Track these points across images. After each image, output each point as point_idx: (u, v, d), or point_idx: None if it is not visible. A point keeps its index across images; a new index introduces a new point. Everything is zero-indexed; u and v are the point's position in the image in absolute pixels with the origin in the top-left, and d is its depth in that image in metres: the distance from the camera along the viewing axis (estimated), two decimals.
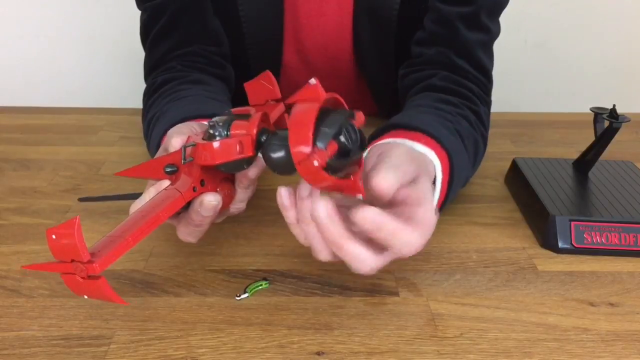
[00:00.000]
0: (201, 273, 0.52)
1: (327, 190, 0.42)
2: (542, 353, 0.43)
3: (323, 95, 0.41)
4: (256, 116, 0.44)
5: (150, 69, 0.74)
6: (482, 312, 0.47)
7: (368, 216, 0.40)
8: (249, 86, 0.50)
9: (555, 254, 0.55)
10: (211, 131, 0.44)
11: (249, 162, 0.45)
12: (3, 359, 0.42)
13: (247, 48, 0.79)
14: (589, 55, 1.46)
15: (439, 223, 0.60)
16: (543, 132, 0.88)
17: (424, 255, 0.55)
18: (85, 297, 0.40)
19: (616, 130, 0.60)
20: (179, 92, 0.65)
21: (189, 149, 0.45)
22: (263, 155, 0.43)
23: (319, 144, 0.39)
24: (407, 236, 0.41)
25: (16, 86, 1.41)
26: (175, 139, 0.48)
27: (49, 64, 1.42)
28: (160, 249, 0.55)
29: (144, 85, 0.73)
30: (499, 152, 0.79)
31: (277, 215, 0.62)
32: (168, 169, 0.46)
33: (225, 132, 0.44)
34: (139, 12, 0.76)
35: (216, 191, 0.47)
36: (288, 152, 0.39)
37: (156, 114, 0.63)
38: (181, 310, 0.47)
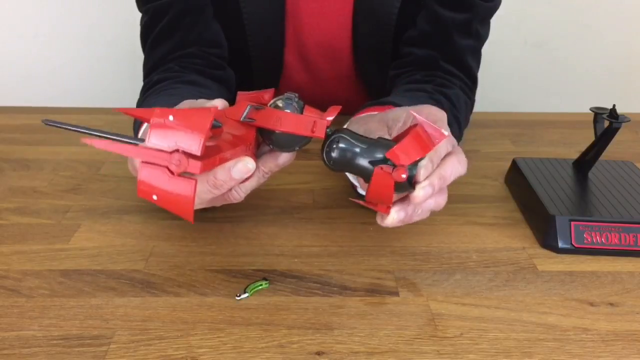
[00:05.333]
0: (201, 273, 0.52)
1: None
2: (542, 353, 0.43)
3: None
4: (335, 109, 0.47)
5: (149, 70, 0.74)
6: (482, 312, 0.47)
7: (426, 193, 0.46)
8: (242, 97, 0.50)
9: (555, 254, 0.55)
10: (281, 103, 0.46)
11: (303, 144, 0.47)
12: (3, 359, 0.42)
13: (249, 49, 0.79)
14: (589, 55, 1.46)
15: (439, 223, 0.61)
16: (543, 132, 0.88)
17: (424, 255, 0.55)
18: (155, 197, 0.38)
19: (616, 130, 0.60)
20: (170, 90, 0.65)
21: (252, 110, 0.46)
22: (332, 145, 0.47)
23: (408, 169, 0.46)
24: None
25: (16, 86, 1.41)
26: (217, 100, 0.47)
27: (49, 64, 1.43)
28: (160, 249, 0.55)
29: None
30: (499, 152, 0.79)
31: (277, 215, 0.62)
32: (214, 125, 0.44)
33: (299, 110, 0.46)
34: (139, 12, 0.76)
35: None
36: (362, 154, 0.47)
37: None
38: (181, 310, 0.47)
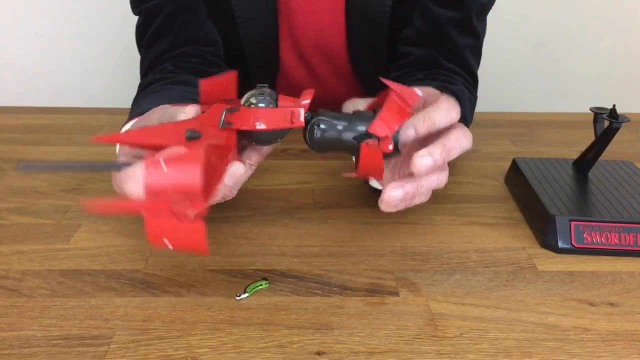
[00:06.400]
0: (201, 273, 0.52)
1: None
2: (542, 353, 0.43)
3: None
4: (309, 92, 0.47)
5: (145, 70, 0.74)
6: (482, 312, 0.47)
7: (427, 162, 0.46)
8: (205, 83, 0.50)
9: (555, 254, 0.55)
10: (254, 100, 0.45)
11: (282, 135, 0.47)
12: (3, 359, 0.42)
13: (244, 48, 0.79)
14: (589, 55, 1.46)
15: (439, 223, 0.61)
16: (543, 132, 0.88)
17: (424, 255, 0.55)
18: (166, 241, 0.38)
19: (616, 130, 0.60)
20: (160, 92, 0.65)
21: (228, 114, 0.45)
22: (314, 129, 0.47)
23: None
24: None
25: (16, 86, 1.41)
26: (189, 107, 0.46)
27: (49, 64, 1.43)
28: (160, 249, 0.55)
29: None
30: (499, 152, 0.79)
31: (277, 215, 0.62)
32: (190, 134, 0.43)
33: (273, 103, 0.46)
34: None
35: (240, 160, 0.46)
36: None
37: (134, 110, 0.63)
38: (181, 310, 0.47)
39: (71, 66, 1.43)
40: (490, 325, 0.46)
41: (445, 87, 0.67)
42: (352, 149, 0.48)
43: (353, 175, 0.50)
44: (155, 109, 0.53)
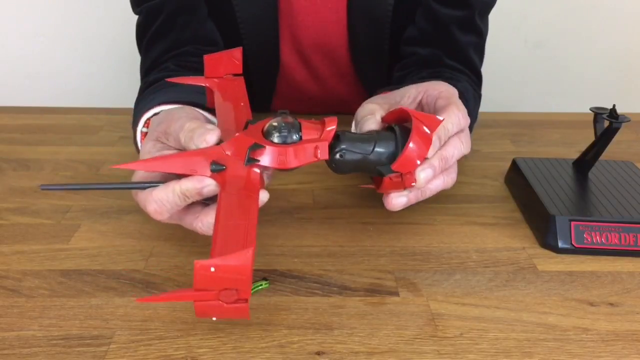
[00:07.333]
0: None
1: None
2: (542, 353, 0.43)
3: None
4: (332, 120, 0.47)
5: (146, 70, 0.74)
6: (482, 312, 0.47)
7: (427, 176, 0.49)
8: (209, 58, 0.51)
9: (555, 254, 0.55)
10: (277, 135, 0.46)
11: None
12: (3, 359, 0.42)
13: (244, 48, 0.79)
14: (589, 55, 1.46)
15: (439, 223, 0.61)
16: (543, 132, 0.88)
17: (424, 255, 0.55)
18: (214, 319, 0.41)
19: (616, 130, 0.60)
20: (166, 89, 0.65)
21: (253, 151, 0.46)
22: (337, 158, 0.47)
23: None
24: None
25: (16, 86, 1.41)
26: (211, 135, 0.46)
27: (49, 64, 1.43)
28: (160, 249, 0.55)
29: None
30: (499, 152, 0.79)
31: (277, 215, 0.62)
32: (215, 167, 0.45)
33: (297, 135, 0.46)
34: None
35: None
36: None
37: (142, 105, 0.63)
38: (181, 310, 0.47)
39: (71, 66, 1.43)
40: (490, 325, 0.46)
41: (451, 84, 0.67)
42: (377, 172, 0.49)
43: (370, 186, 0.52)
44: (174, 112, 0.53)
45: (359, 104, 0.63)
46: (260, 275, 0.51)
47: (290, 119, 0.47)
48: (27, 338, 0.43)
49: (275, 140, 0.46)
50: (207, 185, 0.45)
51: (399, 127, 0.49)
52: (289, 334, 0.44)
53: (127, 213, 0.61)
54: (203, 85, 0.55)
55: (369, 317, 0.46)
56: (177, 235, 0.57)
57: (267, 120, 0.48)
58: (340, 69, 0.85)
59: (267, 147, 0.46)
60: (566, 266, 0.54)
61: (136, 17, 0.77)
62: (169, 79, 0.57)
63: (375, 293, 0.49)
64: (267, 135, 0.47)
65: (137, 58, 0.79)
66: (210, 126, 0.47)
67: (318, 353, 0.42)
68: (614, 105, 0.61)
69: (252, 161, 0.46)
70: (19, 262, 0.53)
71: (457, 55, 0.72)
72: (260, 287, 0.49)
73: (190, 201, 0.47)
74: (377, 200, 0.64)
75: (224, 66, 0.53)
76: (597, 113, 0.63)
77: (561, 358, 0.42)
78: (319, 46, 0.82)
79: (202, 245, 0.56)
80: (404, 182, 0.48)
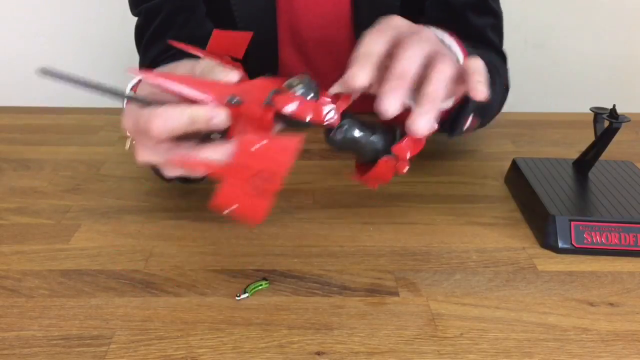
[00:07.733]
0: (201, 273, 0.52)
1: None
2: (542, 353, 0.43)
3: None
4: (348, 97, 0.49)
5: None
6: (482, 312, 0.47)
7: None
8: (218, 34, 0.51)
9: (555, 254, 0.55)
10: (301, 85, 0.47)
11: (308, 128, 0.47)
12: (3, 359, 0.42)
13: None
14: (589, 55, 1.46)
15: (439, 223, 0.61)
16: (543, 132, 0.88)
17: (424, 255, 0.55)
18: (235, 206, 0.40)
19: (616, 130, 0.60)
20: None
21: (274, 95, 0.46)
22: (339, 130, 0.48)
23: None
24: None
25: (16, 86, 1.41)
26: (233, 73, 0.45)
27: (49, 64, 1.42)
28: (160, 249, 0.55)
29: None
30: (499, 152, 0.79)
31: (277, 215, 0.62)
32: (234, 100, 0.44)
33: (315, 95, 0.47)
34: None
35: None
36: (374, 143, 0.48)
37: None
38: (181, 310, 0.47)
39: (71, 66, 1.42)
40: (490, 326, 0.46)
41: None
42: (367, 157, 0.49)
43: (355, 178, 0.50)
44: (180, 62, 0.51)
45: (360, 101, 0.63)
46: (260, 275, 0.51)
47: (311, 81, 0.48)
48: (27, 338, 0.43)
49: (298, 92, 0.47)
50: (219, 115, 0.43)
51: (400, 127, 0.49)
52: (289, 334, 0.44)
53: (127, 213, 0.61)
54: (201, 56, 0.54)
55: (369, 317, 0.46)
56: (177, 235, 0.57)
57: (285, 79, 0.49)
58: (341, 64, 0.85)
59: (289, 94, 0.46)
60: (566, 266, 0.54)
61: (135, 18, 0.77)
62: (170, 41, 0.55)
63: (375, 293, 0.49)
64: (289, 86, 0.48)
65: (136, 58, 0.79)
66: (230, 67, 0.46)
67: (318, 353, 0.42)
68: (614, 105, 0.61)
69: (271, 104, 0.46)
70: (19, 262, 0.53)
71: (475, 38, 0.71)
72: (260, 287, 0.49)
73: (194, 128, 0.44)
74: (377, 200, 0.65)
75: (228, 46, 0.53)
76: (597, 113, 0.63)
77: (561, 358, 0.42)
78: (320, 41, 0.81)
79: (202, 245, 0.56)
80: (398, 167, 0.48)
